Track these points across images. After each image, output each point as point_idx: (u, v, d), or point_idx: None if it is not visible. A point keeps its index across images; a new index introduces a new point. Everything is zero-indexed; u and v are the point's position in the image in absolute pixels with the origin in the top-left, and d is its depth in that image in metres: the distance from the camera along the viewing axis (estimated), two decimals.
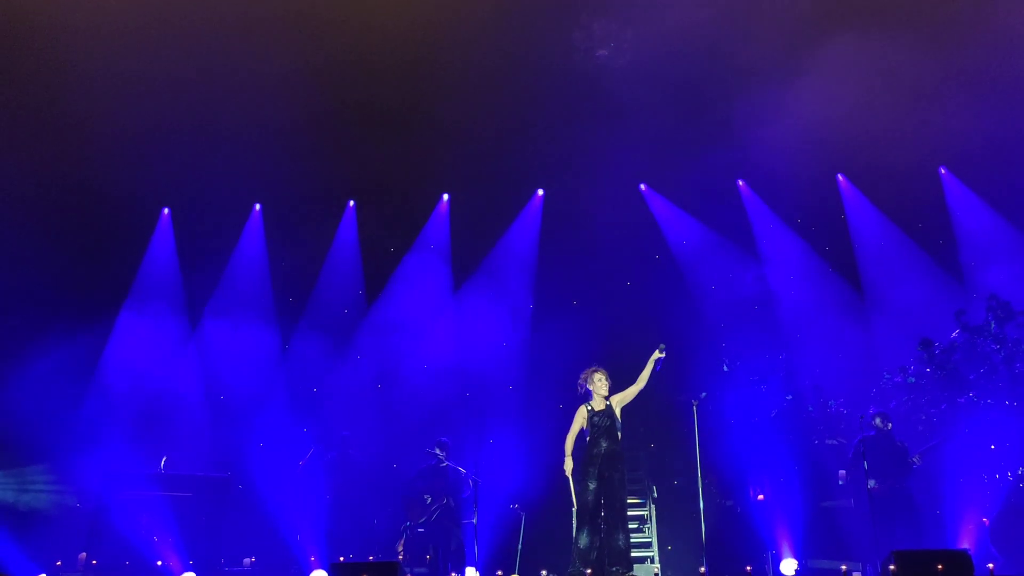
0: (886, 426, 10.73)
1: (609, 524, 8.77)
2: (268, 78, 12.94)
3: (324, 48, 12.78)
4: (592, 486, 8.77)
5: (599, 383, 9.04)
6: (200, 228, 14.71)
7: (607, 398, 9.03)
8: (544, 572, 9.15)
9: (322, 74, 13.03)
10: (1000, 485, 10.42)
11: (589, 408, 9.00)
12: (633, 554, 12.44)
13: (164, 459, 11.78)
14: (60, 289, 13.34)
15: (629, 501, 13.55)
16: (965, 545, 9.61)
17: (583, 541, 8.70)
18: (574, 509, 8.91)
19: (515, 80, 13.03)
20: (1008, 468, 10.61)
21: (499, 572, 8.65)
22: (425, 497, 11.44)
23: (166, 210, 15.07)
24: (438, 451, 11.36)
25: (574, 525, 8.96)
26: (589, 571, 8.43)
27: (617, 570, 8.57)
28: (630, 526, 13.25)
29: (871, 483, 10.14)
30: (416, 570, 11.18)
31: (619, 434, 8.98)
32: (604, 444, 8.89)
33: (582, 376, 9.15)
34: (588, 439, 8.94)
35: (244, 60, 12.68)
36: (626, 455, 9.00)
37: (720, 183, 14.84)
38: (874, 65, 12.52)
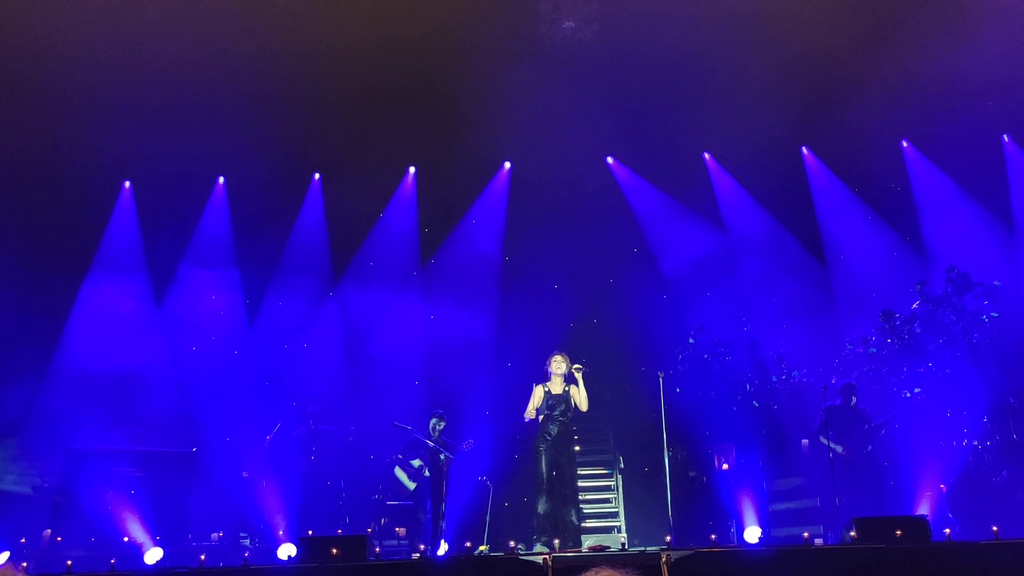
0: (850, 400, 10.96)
1: (564, 500, 9.34)
2: (231, 50, 12.72)
3: (287, 21, 12.59)
4: (544, 460, 9.36)
5: (555, 365, 9.59)
6: (163, 201, 14.47)
7: (565, 382, 9.55)
8: (512, 543, 9.26)
9: (285, 46, 12.84)
10: (958, 453, 10.64)
11: (546, 389, 9.54)
12: (600, 524, 12.67)
13: (129, 435, 11.70)
14: (21, 264, 13.10)
15: (596, 472, 13.81)
16: (923, 511, 9.81)
17: (542, 507, 9.27)
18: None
19: (481, 52, 12.91)
20: (965, 436, 10.84)
21: (468, 543, 8.71)
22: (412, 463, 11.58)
23: (127, 183, 14.83)
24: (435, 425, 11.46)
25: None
26: (557, 541, 8.59)
27: (571, 547, 8.95)
28: (598, 496, 13.48)
29: (839, 448, 10.41)
30: (386, 543, 11.21)
31: (570, 416, 9.56)
32: (556, 426, 9.46)
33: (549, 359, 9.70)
34: (542, 417, 9.49)
35: (207, 33, 12.46)
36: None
37: (686, 155, 14.89)
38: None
